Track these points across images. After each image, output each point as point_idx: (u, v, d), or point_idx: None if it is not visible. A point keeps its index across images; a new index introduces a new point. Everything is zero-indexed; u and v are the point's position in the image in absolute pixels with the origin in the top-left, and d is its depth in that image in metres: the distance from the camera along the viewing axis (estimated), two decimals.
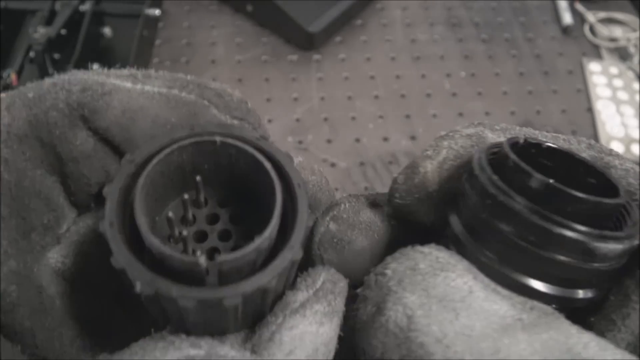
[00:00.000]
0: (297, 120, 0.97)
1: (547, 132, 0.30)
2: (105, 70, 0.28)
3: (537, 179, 0.25)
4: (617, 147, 0.97)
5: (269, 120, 0.96)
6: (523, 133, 0.30)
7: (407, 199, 0.29)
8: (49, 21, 0.92)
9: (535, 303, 0.25)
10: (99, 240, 0.28)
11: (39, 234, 0.27)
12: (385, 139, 0.96)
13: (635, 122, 1.00)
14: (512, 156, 0.26)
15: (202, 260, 0.22)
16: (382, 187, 0.90)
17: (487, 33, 1.11)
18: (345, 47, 1.07)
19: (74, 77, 0.26)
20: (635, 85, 1.05)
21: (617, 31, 1.12)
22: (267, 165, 0.25)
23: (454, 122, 0.98)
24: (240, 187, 0.28)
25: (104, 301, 0.30)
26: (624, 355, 0.23)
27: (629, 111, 1.01)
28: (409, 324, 0.24)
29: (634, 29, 1.12)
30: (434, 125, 0.98)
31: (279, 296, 0.26)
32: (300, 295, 0.26)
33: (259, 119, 0.30)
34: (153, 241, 0.22)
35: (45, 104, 0.25)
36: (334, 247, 0.31)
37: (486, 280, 0.25)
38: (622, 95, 1.04)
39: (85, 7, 0.95)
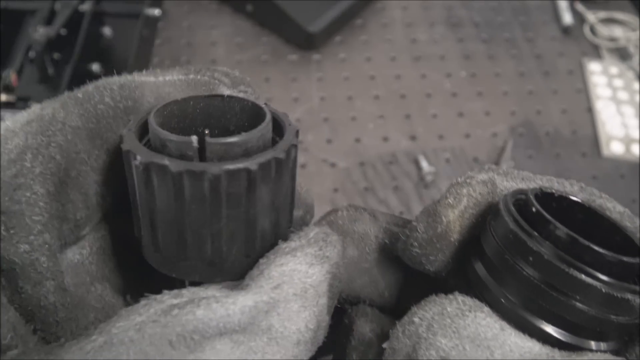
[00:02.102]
0: (297, 120, 0.97)
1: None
2: (126, 74, 0.32)
3: (561, 230, 0.25)
4: (617, 147, 0.97)
5: None
6: (522, 176, 0.32)
7: (428, 249, 0.29)
8: (48, 21, 0.92)
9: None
10: (113, 248, 0.32)
11: (69, 229, 0.29)
12: (385, 139, 0.96)
13: (635, 122, 1.00)
14: (537, 206, 0.27)
15: (194, 139, 0.25)
16: (382, 187, 0.90)
17: (487, 33, 1.11)
18: (345, 47, 1.07)
19: (109, 80, 0.30)
20: (635, 85, 1.05)
21: (617, 31, 1.12)
22: (266, 109, 0.28)
23: (454, 122, 0.98)
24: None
25: (111, 294, 0.32)
26: None
27: (629, 111, 1.01)
28: None
29: (634, 29, 1.12)
30: (434, 125, 0.98)
31: (270, 242, 0.28)
32: (292, 244, 0.28)
33: (257, 92, 0.34)
34: (155, 126, 0.26)
35: (94, 100, 0.29)
36: None
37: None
38: (622, 95, 1.04)
39: (85, 7, 0.95)
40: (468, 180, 0.30)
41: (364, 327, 0.32)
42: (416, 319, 0.26)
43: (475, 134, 0.97)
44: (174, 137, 0.25)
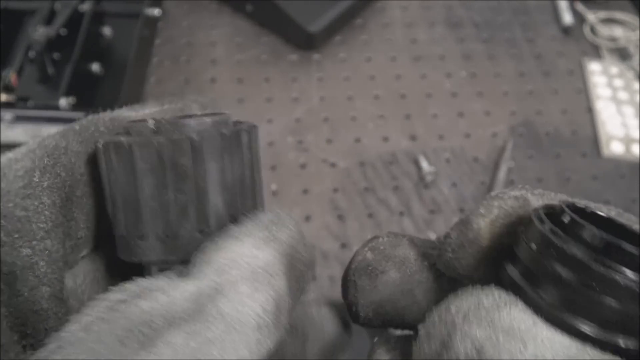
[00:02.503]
0: (297, 120, 0.97)
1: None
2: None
3: (595, 232, 0.27)
4: (617, 147, 0.97)
5: (269, 120, 0.96)
6: (559, 198, 0.33)
7: (460, 253, 0.31)
8: (48, 21, 0.92)
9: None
10: (108, 274, 0.33)
11: (70, 247, 0.30)
12: (385, 139, 0.96)
13: (635, 122, 1.00)
14: (569, 212, 0.28)
15: (151, 122, 0.28)
16: (382, 187, 0.90)
17: (487, 33, 1.11)
18: (345, 47, 1.07)
19: (100, 114, 0.33)
20: (635, 85, 1.05)
21: (617, 31, 1.12)
22: (229, 113, 0.30)
23: (454, 122, 0.98)
24: None
25: None
26: None
27: (629, 111, 1.01)
28: (480, 356, 0.25)
29: (634, 29, 1.12)
30: (434, 125, 0.98)
31: (226, 224, 0.29)
32: (243, 228, 0.28)
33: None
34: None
35: (90, 129, 0.32)
36: (368, 275, 0.33)
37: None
38: (622, 95, 1.04)
39: (85, 7, 0.95)
40: (500, 195, 0.32)
41: (384, 355, 0.33)
42: (452, 307, 0.28)
43: (476, 134, 0.97)
44: (134, 122, 0.29)
